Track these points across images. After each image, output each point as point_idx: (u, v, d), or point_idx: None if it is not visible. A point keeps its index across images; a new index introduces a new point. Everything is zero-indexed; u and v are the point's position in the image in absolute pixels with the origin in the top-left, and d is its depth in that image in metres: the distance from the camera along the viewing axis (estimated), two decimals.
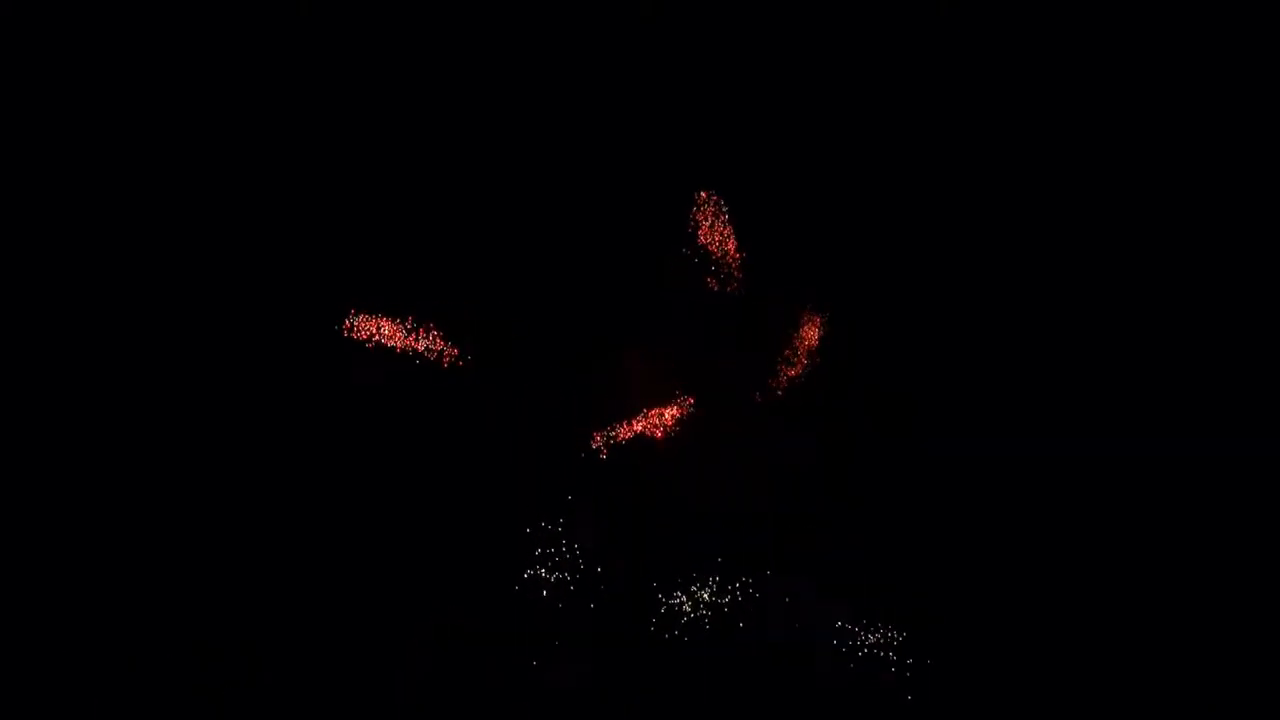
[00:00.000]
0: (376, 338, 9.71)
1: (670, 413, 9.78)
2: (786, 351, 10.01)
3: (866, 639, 9.57)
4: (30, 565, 9.16)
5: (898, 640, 9.57)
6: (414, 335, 9.75)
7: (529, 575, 9.60)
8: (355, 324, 9.70)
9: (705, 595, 9.65)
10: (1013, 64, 10.17)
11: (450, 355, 9.79)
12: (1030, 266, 10.12)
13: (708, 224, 9.92)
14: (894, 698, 9.51)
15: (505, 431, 9.83)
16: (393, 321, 9.75)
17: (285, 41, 9.98)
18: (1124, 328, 10.03)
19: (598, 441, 9.74)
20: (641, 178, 10.13)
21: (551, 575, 9.61)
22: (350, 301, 9.72)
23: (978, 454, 9.85)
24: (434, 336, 9.76)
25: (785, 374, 9.98)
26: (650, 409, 9.79)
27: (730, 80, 10.23)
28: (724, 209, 9.96)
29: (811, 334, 9.98)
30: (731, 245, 9.95)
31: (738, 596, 9.65)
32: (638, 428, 9.74)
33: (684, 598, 9.65)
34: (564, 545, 9.64)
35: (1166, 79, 10.13)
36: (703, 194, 9.97)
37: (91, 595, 9.19)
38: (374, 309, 9.74)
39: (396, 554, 9.52)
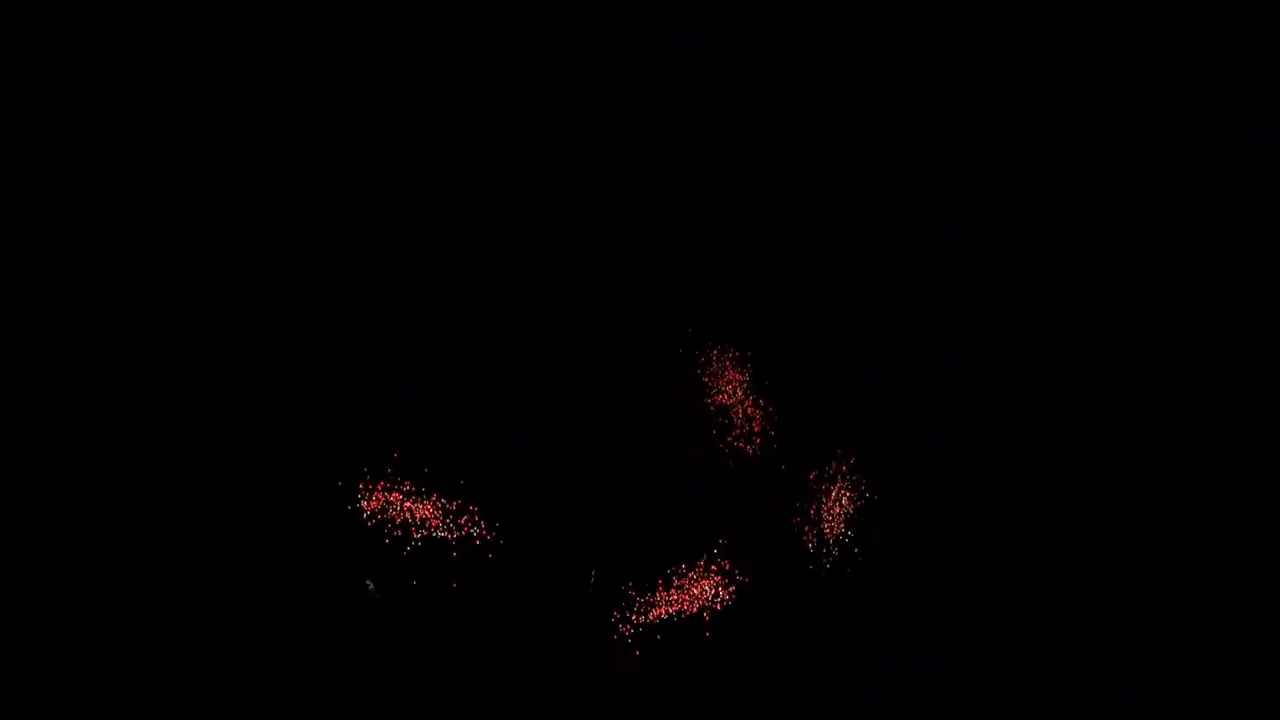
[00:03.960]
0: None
1: (705, 586, 9.65)
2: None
3: (867, 639, 9.59)
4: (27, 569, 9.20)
5: (898, 641, 9.60)
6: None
7: (528, 575, 9.62)
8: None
9: (705, 594, 9.67)
10: (1000, 75, 10.22)
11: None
12: (1030, 267, 10.15)
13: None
14: (894, 697, 9.53)
15: (505, 431, 9.84)
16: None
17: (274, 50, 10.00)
18: (1124, 328, 10.05)
19: (626, 630, 9.57)
20: (641, 179, 10.17)
21: (550, 575, 9.63)
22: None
23: (977, 453, 9.87)
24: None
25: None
26: (681, 580, 9.71)
27: (732, 81, 10.27)
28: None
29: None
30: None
31: (738, 596, 9.66)
32: (669, 608, 9.62)
33: (684, 597, 9.66)
34: (564, 545, 9.66)
35: (1167, 80, 10.17)
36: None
37: (91, 595, 9.21)
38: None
39: (397, 554, 9.54)
